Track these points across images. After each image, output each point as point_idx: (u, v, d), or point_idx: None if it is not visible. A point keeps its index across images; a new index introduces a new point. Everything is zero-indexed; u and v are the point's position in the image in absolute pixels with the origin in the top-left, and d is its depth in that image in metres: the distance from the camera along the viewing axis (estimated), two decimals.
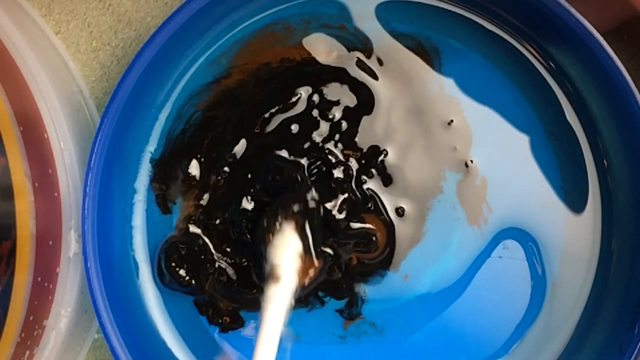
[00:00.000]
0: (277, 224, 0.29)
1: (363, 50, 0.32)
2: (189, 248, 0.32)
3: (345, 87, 0.32)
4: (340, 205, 0.32)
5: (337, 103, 0.32)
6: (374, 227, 0.32)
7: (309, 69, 0.32)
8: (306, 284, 0.30)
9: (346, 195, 0.32)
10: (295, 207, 0.30)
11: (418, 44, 0.32)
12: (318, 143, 0.32)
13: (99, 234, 0.30)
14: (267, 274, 0.29)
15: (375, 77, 0.32)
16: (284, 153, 0.32)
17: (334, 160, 0.32)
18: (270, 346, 0.27)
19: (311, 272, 0.30)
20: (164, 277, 0.32)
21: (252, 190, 0.32)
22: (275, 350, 0.27)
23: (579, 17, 0.29)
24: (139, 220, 0.33)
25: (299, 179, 0.31)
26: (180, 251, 0.32)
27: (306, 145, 0.32)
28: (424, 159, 0.32)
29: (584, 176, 0.32)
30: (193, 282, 0.32)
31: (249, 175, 0.32)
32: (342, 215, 0.32)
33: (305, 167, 0.32)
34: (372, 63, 0.32)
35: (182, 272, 0.32)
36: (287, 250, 0.29)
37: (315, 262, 0.30)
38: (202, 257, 0.32)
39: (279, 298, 0.28)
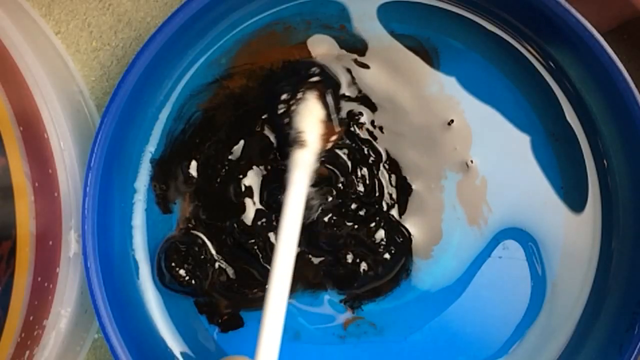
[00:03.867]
0: (300, 92, 0.31)
1: (363, 50, 0.32)
2: (188, 248, 0.32)
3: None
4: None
5: None
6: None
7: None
8: (328, 147, 0.31)
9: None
10: (315, 78, 0.31)
11: (418, 44, 0.32)
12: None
13: (99, 234, 0.30)
14: (293, 140, 0.30)
15: (374, 77, 0.32)
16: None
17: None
18: (298, 204, 0.29)
19: (333, 138, 0.31)
20: (164, 277, 0.32)
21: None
22: (302, 208, 0.29)
23: (579, 17, 0.29)
24: (139, 220, 0.33)
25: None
26: (180, 251, 0.32)
27: None
28: (424, 159, 0.32)
29: (584, 176, 0.32)
30: (193, 282, 0.32)
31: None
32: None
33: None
34: (371, 63, 0.32)
35: (182, 272, 0.32)
36: (311, 117, 0.31)
37: (337, 128, 0.31)
38: (202, 257, 0.32)
39: (305, 160, 0.30)
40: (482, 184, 0.32)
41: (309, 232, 0.32)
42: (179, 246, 0.32)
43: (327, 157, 0.32)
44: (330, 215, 0.32)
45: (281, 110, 0.31)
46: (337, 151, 0.32)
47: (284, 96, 0.31)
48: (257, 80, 0.33)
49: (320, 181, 0.32)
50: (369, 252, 0.32)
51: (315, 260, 0.33)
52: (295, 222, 0.29)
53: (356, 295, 0.33)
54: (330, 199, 0.32)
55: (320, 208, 0.32)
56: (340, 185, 0.32)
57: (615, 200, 0.32)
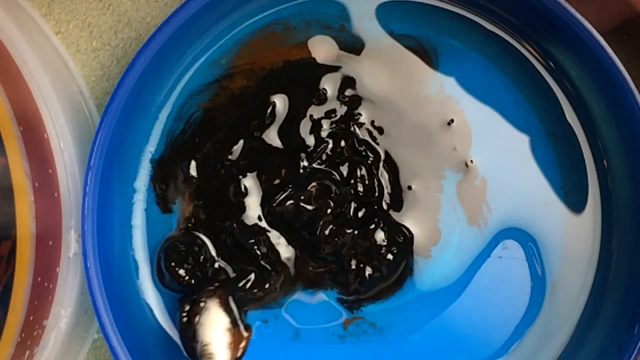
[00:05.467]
0: (202, 303, 0.30)
1: (362, 50, 0.32)
2: (188, 248, 0.32)
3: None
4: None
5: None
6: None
7: (307, 70, 0.32)
8: (238, 355, 0.30)
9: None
10: (215, 285, 0.31)
11: (418, 44, 0.32)
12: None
13: (99, 234, 0.30)
14: (200, 354, 0.29)
15: (374, 78, 0.32)
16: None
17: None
18: None
19: (243, 343, 0.30)
20: (164, 277, 0.32)
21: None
22: None
23: (579, 17, 0.29)
24: (138, 219, 0.33)
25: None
26: (180, 251, 0.32)
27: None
28: (424, 159, 0.32)
29: (584, 176, 0.32)
30: (193, 282, 0.32)
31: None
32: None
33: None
34: (370, 63, 0.32)
35: (181, 272, 0.32)
36: (215, 327, 0.30)
37: (244, 333, 0.31)
38: (202, 257, 0.32)
39: None
40: (482, 184, 0.32)
41: (312, 247, 0.32)
42: (179, 246, 0.32)
43: (320, 174, 0.32)
44: (330, 227, 0.32)
45: (184, 320, 0.30)
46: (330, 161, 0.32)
47: (186, 307, 0.30)
48: (257, 81, 0.33)
49: (316, 196, 0.31)
50: (372, 254, 0.32)
51: (320, 270, 0.33)
52: None
53: (358, 298, 0.33)
54: (329, 210, 0.31)
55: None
56: (334, 195, 0.32)
57: (615, 200, 0.32)
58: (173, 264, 0.32)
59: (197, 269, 0.32)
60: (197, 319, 0.30)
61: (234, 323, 0.30)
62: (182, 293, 0.32)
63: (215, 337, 0.30)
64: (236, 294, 0.31)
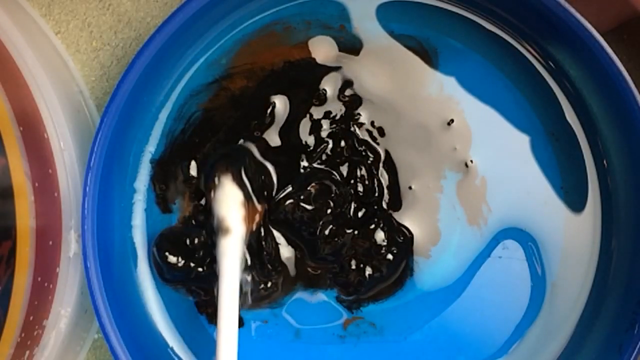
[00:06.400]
0: (215, 179, 0.31)
1: (362, 50, 0.32)
2: (181, 235, 0.32)
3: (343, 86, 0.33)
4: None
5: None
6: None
7: (307, 70, 0.32)
8: (254, 229, 0.31)
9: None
10: (228, 160, 0.31)
11: (418, 44, 0.32)
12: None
13: (99, 234, 0.30)
14: (217, 228, 0.30)
15: (374, 78, 0.32)
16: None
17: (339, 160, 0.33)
18: (232, 293, 0.29)
19: (257, 218, 0.31)
20: (162, 270, 0.32)
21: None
22: (238, 296, 0.29)
23: (579, 17, 0.29)
24: (138, 219, 0.33)
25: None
26: (171, 241, 0.31)
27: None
28: (424, 159, 0.32)
29: (584, 176, 0.32)
30: (191, 264, 0.31)
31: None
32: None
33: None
34: (370, 63, 0.32)
35: (176, 259, 0.31)
36: (230, 202, 0.30)
37: (258, 207, 0.31)
38: (197, 240, 0.32)
39: (232, 248, 0.30)
40: (482, 184, 0.32)
41: (312, 247, 0.32)
42: (170, 236, 0.32)
43: (320, 174, 0.32)
44: (330, 227, 0.32)
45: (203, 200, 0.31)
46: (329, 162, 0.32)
47: (201, 186, 0.31)
48: (257, 81, 0.33)
49: (316, 196, 0.31)
50: (372, 254, 0.32)
51: (320, 270, 0.33)
52: (231, 313, 0.29)
53: (358, 298, 0.33)
54: (329, 210, 0.31)
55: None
56: (334, 195, 0.32)
57: (615, 200, 0.32)
58: (167, 252, 0.31)
59: (194, 253, 0.31)
60: (212, 194, 0.30)
61: (247, 197, 0.31)
62: (182, 285, 0.32)
63: (230, 211, 0.30)
64: (248, 167, 0.31)
